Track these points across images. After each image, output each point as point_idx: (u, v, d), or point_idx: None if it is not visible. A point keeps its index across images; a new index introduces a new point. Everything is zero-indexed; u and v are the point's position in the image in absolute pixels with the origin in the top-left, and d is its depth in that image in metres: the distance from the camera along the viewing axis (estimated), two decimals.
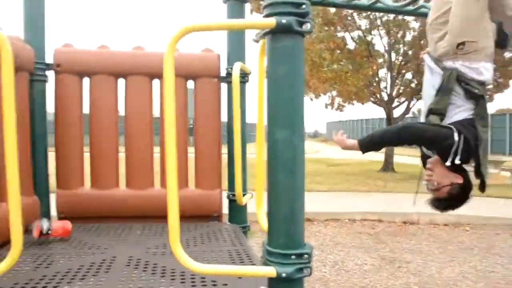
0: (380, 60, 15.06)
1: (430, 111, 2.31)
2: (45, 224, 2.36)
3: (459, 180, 2.23)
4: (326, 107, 17.17)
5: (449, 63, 2.30)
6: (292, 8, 1.46)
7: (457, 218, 7.30)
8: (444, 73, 2.28)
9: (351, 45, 14.86)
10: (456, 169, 2.23)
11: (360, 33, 14.73)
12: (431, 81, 2.37)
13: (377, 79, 15.23)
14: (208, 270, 1.57)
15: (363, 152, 2.32)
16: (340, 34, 14.67)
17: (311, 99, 17.24)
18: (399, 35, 14.63)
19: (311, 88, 15.58)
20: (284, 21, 1.45)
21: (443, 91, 2.27)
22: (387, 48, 15.04)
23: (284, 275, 1.48)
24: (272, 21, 1.44)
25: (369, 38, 14.85)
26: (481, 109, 2.24)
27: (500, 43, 2.56)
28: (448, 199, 2.28)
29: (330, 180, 12.03)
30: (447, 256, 5.52)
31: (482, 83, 2.26)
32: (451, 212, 6.45)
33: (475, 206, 8.43)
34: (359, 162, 19.46)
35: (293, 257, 1.50)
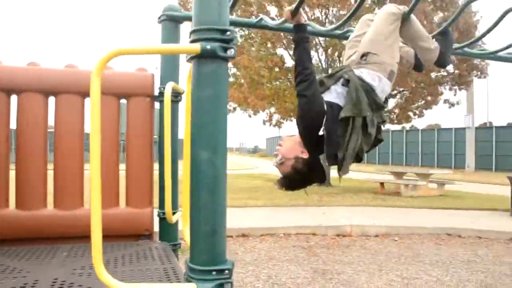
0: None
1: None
2: None
3: (305, 155, 2.33)
4: (264, 123, 17.46)
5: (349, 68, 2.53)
6: (217, 34, 1.54)
7: (386, 229, 7.67)
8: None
9: (289, 63, 15.27)
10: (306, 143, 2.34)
11: None
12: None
13: None
14: None
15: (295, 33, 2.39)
16: (279, 52, 15.05)
17: (250, 116, 17.48)
18: (335, 54, 15.23)
19: (250, 105, 15.82)
20: (208, 47, 1.52)
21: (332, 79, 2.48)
22: (325, 66, 15.58)
23: None
24: (197, 47, 1.51)
25: None
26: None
27: (417, 67, 2.89)
28: (291, 175, 2.35)
29: (267, 195, 12.18)
30: (376, 266, 5.78)
31: (370, 87, 2.42)
32: (381, 223, 6.77)
33: (404, 217, 8.93)
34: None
35: (214, 273, 1.55)
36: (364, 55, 2.49)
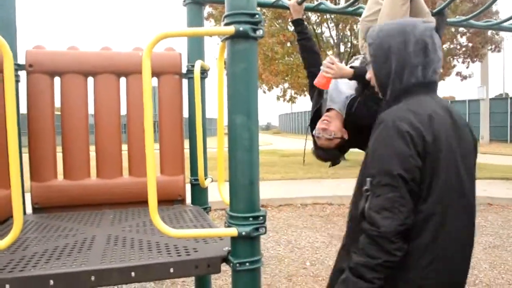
0: (330, 52, 15.72)
1: None
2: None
3: (346, 136, 2.62)
4: (278, 99, 17.72)
5: None
6: (247, 17, 1.81)
7: None
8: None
9: None
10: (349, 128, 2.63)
11: (309, 26, 15.32)
12: None
13: None
14: (181, 234, 1.91)
15: (351, 78, 2.57)
16: (290, 28, 15.19)
17: (264, 92, 17.75)
18: (347, 28, 15.33)
19: (264, 81, 16.06)
20: (241, 28, 1.79)
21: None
22: (336, 41, 15.70)
23: (244, 233, 1.83)
24: (231, 29, 1.79)
25: (319, 30, 15.48)
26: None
27: None
28: (332, 150, 2.66)
29: (283, 169, 12.52)
30: None
31: None
32: None
33: None
34: (311, 152, 20.15)
35: (251, 219, 1.85)
36: None
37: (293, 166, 13.59)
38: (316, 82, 2.63)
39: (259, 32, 1.83)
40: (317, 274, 4.46)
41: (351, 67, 2.72)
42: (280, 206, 7.80)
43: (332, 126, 2.61)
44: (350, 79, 2.59)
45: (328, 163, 2.90)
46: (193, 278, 3.73)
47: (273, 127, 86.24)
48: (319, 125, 2.65)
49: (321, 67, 2.60)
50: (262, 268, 4.58)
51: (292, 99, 17.61)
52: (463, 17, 3.69)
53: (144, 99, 1.80)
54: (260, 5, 3.42)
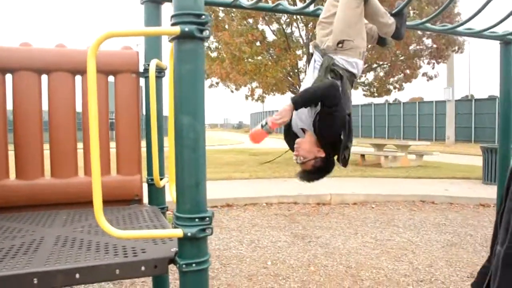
0: (299, 52, 15.82)
1: None
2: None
3: (321, 154, 2.70)
4: (247, 98, 17.71)
5: (330, 56, 2.84)
6: (193, 18, 1.81)
7: (364, 198, 8.09)
8: (324, 60, 2.83)
9: (270, 37, 15.45)
10: (323, 145, 2.72)
11: (279, 26, 15.38)
12: (317, 64, 2.90)
13: (296, 70, 15.99)
14: (126, 235, 1.89)
15: (296, 109, 2.63)
16: (260, 27, 15.21)
17: (232, 91, 17.71)
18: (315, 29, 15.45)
19: (232, 80, 16.03)
20: (187, 29, 1.79)
21: (323, 72, 2.79)
22: (305, 41, 15.80)
23: (189, 234, 1.83)
24: (177, 29, 1.78)
25: (288, 30, 15.56)
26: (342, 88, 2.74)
27: (380, 42, 3.20)
28: (313, 171, 2.76)
29: (252, 168, 12.55)
30: (353, 230, 6.20)
31: (353, 74, 2.83)
32: (359, 192, 7.31)
33: (381, 186, 9.33)
34: (281, 151, 20.27)
35: (197, 220, 1.85)
36: (340, 42, 2.79)
37: (262, 166, 13.63)
38: (253, 138, 2.75)
39: (206, 33, 1.82)
40: (277, 273, 4.50)
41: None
42: (246, 205, 7.82)
43: (301, 151, 2.73)
44: (296, 108, 2.65)
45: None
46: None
47: (245, 126, 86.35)
48: (294, 152, 2.77)
49: (263, 124, 2.68)
50: (223, 267, 4.60)
51: (260, 98, 17.66)
52: (419, 21, 3.77)
53: (88, 100, 1.78)
54: (218, 4, 3.42)
